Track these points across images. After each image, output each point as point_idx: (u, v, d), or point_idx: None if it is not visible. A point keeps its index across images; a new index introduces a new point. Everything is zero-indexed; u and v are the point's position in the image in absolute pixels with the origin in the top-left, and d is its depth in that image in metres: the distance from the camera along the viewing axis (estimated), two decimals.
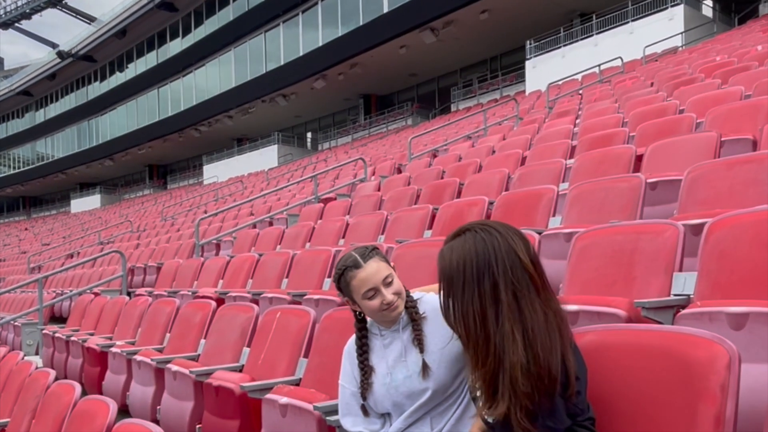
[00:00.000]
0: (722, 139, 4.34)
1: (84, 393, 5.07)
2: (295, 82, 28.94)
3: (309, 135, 35.56)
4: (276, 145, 31.96)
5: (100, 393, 4.78)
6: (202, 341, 4.07)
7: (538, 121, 9.82)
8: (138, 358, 4.14)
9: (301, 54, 28.75)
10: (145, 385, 4.06)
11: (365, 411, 1.93)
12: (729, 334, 2.03)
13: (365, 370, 1.90)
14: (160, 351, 4.32)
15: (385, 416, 1.95)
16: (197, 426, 3.41)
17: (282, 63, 29.79)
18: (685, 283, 2.51)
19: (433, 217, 5.20)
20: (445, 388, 1.83)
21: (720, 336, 1.60)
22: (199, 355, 3.98)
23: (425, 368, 1.82)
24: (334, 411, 2.41)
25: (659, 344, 1.68)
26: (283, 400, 2.66)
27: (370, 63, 26.54)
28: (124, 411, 4.36)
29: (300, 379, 3.00)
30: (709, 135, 4.39)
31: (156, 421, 3.84)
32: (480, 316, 1.51)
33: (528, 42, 21.14)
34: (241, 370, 3.46)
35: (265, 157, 31.33)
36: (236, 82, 32.34)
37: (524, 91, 20.24)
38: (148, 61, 38.42)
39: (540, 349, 1.48)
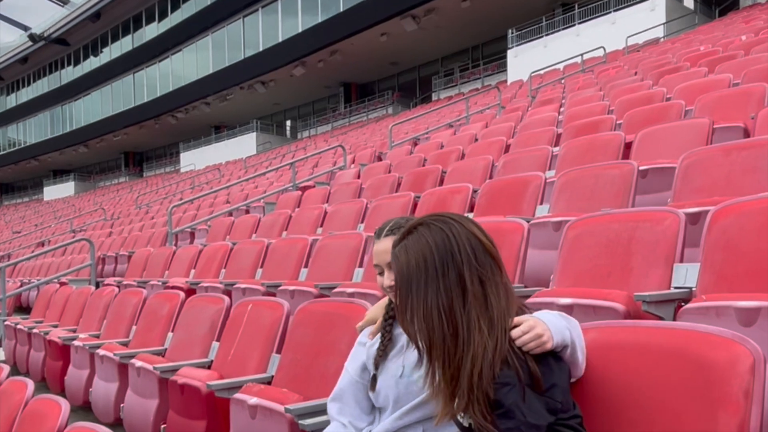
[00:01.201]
0: (714, 126, 4.19)
1: (46, 389, 4.84)
2: (274, 69, 28.49)
3: (288, 123, 35.12)
4: (254, 133, 31.50)
5: (62, 389, 4.53)
6: (170, 334, 3.83)
7: (521, 109, 9.66)
8: (101, 352, 3.89)
9: (280, 40, 28.30)
10: (108, 381, 3.82)
11: (358, 404, 1.73)
12: (738, 330, 1.86)
13: (378, 360, 1.69)
14: (125, 345, 4.08)
15: (375, 413, 1.75)
16: (162, 426, 3.18)
17: (261, 49, 29.31)
18: (686, 275, 2.35)
19: (415, 205, 5.00)
20: None
21: (741, 335, 1.42)
22: (165, 349, 3.74)
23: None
24: (307, 414, 2.21)
25: (672, 344, 1.50)
26: (253, 400, 2.44)
27: (350, 50, 26.19)
28: (86, 408, 4.12)
29: (272, 376, 2.79)
30: (701, 122, 4.24)
31: (119, 420, 3.61)
32: (447, 310, 1.37)
33: (510, 31, 20.98)
34: (209, 367, 3.24)
35: (243, 145, 30.88)
36: (214, 68, 31.77)
37: (506, 81, 20.11)
38: (124, 45, 37.60)
39: (500, 336, 1.36)
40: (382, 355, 1.68)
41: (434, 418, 1.64)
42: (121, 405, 3.60)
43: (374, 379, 1.70)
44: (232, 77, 30.45)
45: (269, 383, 2.74)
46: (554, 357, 1.40)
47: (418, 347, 1.43)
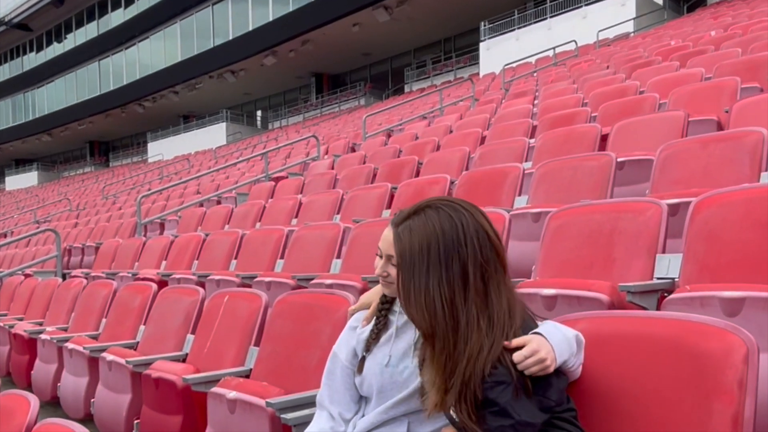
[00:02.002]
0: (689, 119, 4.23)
1: (12, 384, 4.68)
2: (244, 58, 28.09)
3: (259, 113, 34.72)
4: (224, 123, 31.06)
5: (29, 384, 4.39)
6: (142, 327, 3.74)
7: (495, 101, 9.68)
8: (70, 345, 3.77)
9: (250, 29, 27.91)
10: (77, 375, 3.70)
11: (348, 390, 1.69)
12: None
13: (369, 342, 1.64)
14: (95, 338, 3.96)
15: (362, 402, 1.71)
16: (135, 421, 3.09)
17: (230, 38, 28.88)
18: (669, 266, 2.35)
19: (392, 196, 4.96)
20: None
21: (734, 325, 1.42)
22: (138, 342, 3.65)
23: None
24: (289, 407, 2.16)
25: (664, 334, 1.49)
26: (232, 394, 2.38)
27: (322, 40, 25.96)
28: (54, 404, 4.00)
29: (250, 370, 2.72)
30: (677, 114, 4.28)
31: (89, 416, 3.51)
32: (449, 303, 1.34)
33: (482, 24, 21.02)
34: (184, 360, 3.16)
35: (212, 135, 30.43)
36: (182, 57, 31.21)
37: (478, 73, 20.15)
38: (88, 31, 36.69)
39: (497, 337, 1.33)
40: (375, 338, 1.64)
41: (422, 410, 1.62)
42: (92, 400, 3.49)
43: (362, 361, 1.66)
44: (201, 66, 29.94)
45: (247, 376, 2.68)
46: (554, 373, 1.37)
47: (422, 333, 1.38)
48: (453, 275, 1.34)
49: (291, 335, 2.59)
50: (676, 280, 2.31)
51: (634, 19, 16.80)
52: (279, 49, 26.91)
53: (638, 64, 8.24)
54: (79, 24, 37.28)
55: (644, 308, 2.22)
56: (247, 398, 2.31)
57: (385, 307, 1.66)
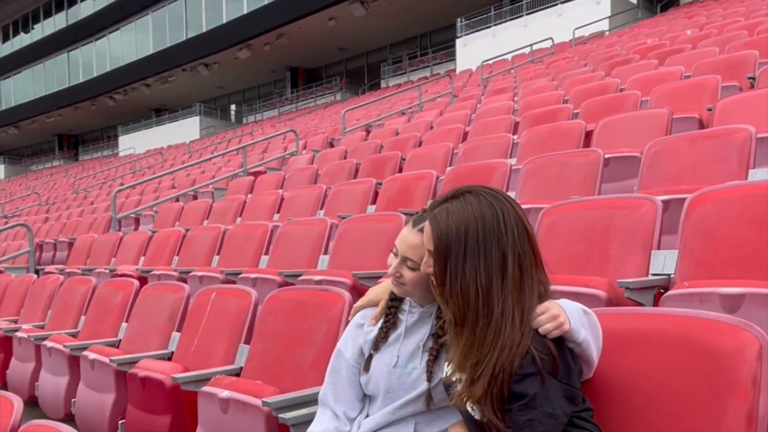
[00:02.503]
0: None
1: None
2: (218, 51, 27.74)
3: (233, 107, 34.33)
4: (197, 117, 30.65)
5: (4, 383, 4.26)
6: (124, 325, 3.65)
7: (474, 97, 9.69)
8: (48, 344, 3.66)
9: (224, 21, 27.56)
10: (56, 374, 3.60)
11: (353, 389, 1.65)
12: None
13: (378, 341, 1.60)
14: (74, 336, 3.86)
15: (365, 401, 1.67)
16: (120, 421, 3.01)
17: (204, 30, 28.48)
18: (665, 262, 2.36)
19: (377, 192, 4.93)
20: (444, 400, 1.56)
21: (747, 322, 1.42)
22: (119, 340, 3.56)
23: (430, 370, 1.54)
24: (286, 407, 2.11)
25: (675, 331, 1.48)
26: (224, 393, 2.32)
27: (297, 34, 25.74)
28: (32, 404, 3.88)
29: (241, 368, 2.67)
30: (661, 112, 4.31)
31: (70, 416, 3.41)
32: (484, 290, 1.29)
33: (459, 20, 21.05)
34: (170, 358, 3.09)
35: (185, 129, 30.00)
36: (154, 49, 30.70)
37: (455, 70, 20.19)
38: (57, 22, 35.87)
39: (526, 332, 1.29)
40: (384, 337, 1.60)
41: (429, 411, 1.59)
42: (73, 400, 3.40)
43: (369, 359, 1.63)
44: (174, 58, 29.49)
45: (237, 375, 2.63)
46: (569, 349, 1.35)
47: (453, 319, 1.35)
48: (492, 263, 1.30)
49: (284, 333, 2.54)
50: (671, 276, 2.32)
51: (609, 17, 16.98)
52: (254, 42, 26.63)
53: (616, 62, 8.32)
54: (47, 14, 36.42)
55: (642, 305, 2.22)
56: (240, 397, 2.26)
57: (394, 305, 1.62)
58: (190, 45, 28.94)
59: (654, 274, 2.36)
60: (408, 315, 1.62)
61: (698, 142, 3.26)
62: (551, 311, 1.32)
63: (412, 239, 1.54)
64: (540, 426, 1.27)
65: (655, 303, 2.29)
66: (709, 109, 4.42)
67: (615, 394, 1.50)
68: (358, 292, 2.91)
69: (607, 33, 16.15)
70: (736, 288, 1.93)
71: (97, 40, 33.88)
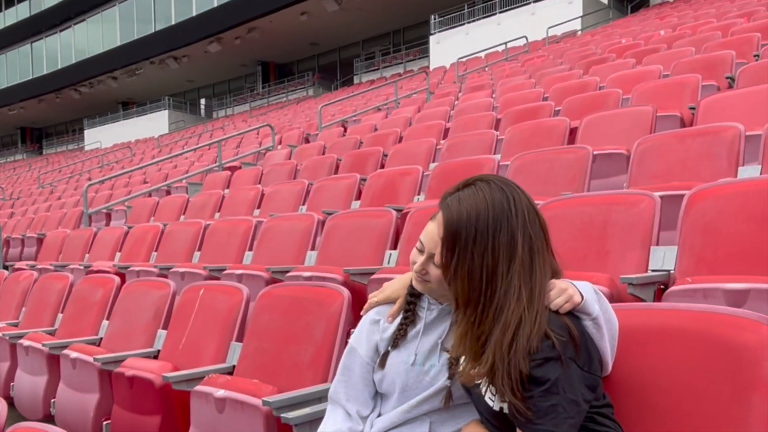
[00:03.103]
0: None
1: None
2: (188, 44, 27.30)
3: (203, 102, 33.84)
4: (166, 111, 30.12)
5: None
6: (105, 322, 3.54)
7: (452, 94, 9.70)
8: (25, 342, 3.53)
9: (194, 14, 27.14)
10: (34, 374, 3.47)
11: (367, 387, 1.60)
12: None
13: (398, 338, 1.56)
14: (52, 334, 3.73)
15: (377, 399, 1.63)
16: (104, 422, 2.92)
17: (173, 23, 27.99)
18: (664, 258, 2.36)
19: (361, 187, 4.88)
20: (462, 398, 1.52)
21: (766, 316, 1.41)
22: (100, 339, 3.45)
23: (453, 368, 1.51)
24: (287, 406, 2.06)
25: (694, 327, 1.47)
26: (220, 393, 2.26)
27: (269, 28, 25.47)
28: (8, 404, 3.73)
29: (233, 366, 2.60)
30: (645, 110, 4.35)
31: (49, 417, 3.30)
32: (490, 272, 1.31)
33: (432, 17, 21.07)
34: (156, 357, 3.01)
35: (154, 123, 29.47)
36: (122, 41, 30.08)
37: (428, 67, 20.20)
38: (20, 12, 34.88)
39: (540, 311, 1.29)
40: (404, 334, 1.56)
41: (444, 409, 1.55)
42: (52, 400, 3.28)
43: (385, 356, 1.58)
44: (142, 51, 28.92)
45: (230, 373, 2.56)
46: (589, 335, 1.35)
47: (456, 301, 1.35)
48: (499, 244, 1.30)
49: (279, 330, 2.48)
50: (671, 272, 2.32)
51: (581, 17, 17.18)
52: (224, 36, 26.27)
53: (593, 61, 8.40)
54: (10, 3, 35.40)
55: (642, 300, 2.22)
56: (238, 396, 2.20)
57: (413, 300, 1.58)
58: (158, 38, 28.42)
59: (653, 270, 2.37)
60: (426, 312, 1.58)
61: (687, 140, 3.29)
62: (558, 285, 1.34)
63: (433, 230, 1.50)
64: (564, 412, 1.25)
65: (656, 299, 2.30)
66: (691, 108, 4.48)
67: (633, 392, 1.48)
68: (350, 288, 2.87)
69: (580, 32, 16.34)
70: (741, 284, 1.94)
71: (62, 31, 33.06)
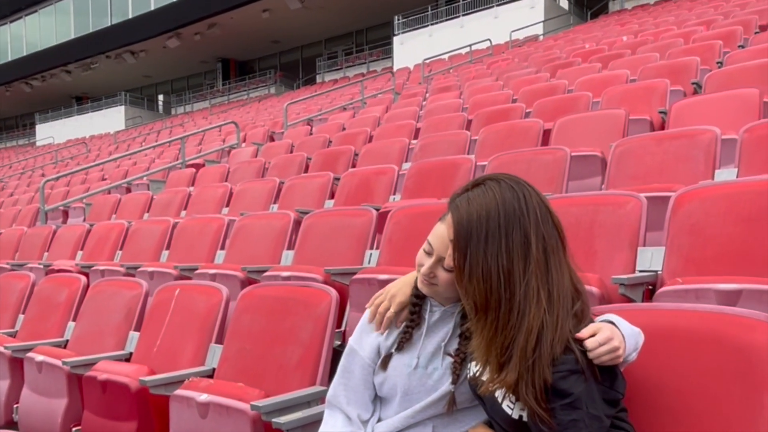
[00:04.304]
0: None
1: None
2: (145, 39, 26.69)
3: (161, 98, 33.12)
4: (123, 107, 29.38)
5: None
6: (71, 324, 3.39)
7: (419, 94, 9.70)
8: None
9: (152, 8, 26.57)
10: None
11: (367, 390, 1.55)
12: None
13: (403, 341, 1.50)
14: (13, 336, 3.56)
15: (377, 403, 1.58)
16: (73, 428, 2.78)
17: (130, 16, 27.32)
18: (652, 259, 2.38)
19: (334, 186, 4.81)
20: (465, 402, 1.48)
21: None
22: (66, 341, 3.30)
23: (457, 372, 1.46)
24: (277, 410, 1.99)
25: (704, 327, 1.47)
26: (203, 397, 2.17)
27: (230, 25, 25.11)
28: None
29: (213, 369, 2.51)
30: (618, 113, 4.41)
31: (12, 423, 3.14)
32: (506, 273, 1.26)
33: (396, 18, 21.09)
34: (128, 360, 2.89)
35: (109, 119, 28.73)
36: (76, 34, 29.19)
37: (392, 67, 20.20)
38: None
39: (561, 315, 1.26)
40: (410, 338, 1.51)
41: (446, 416, 1.51)
42: (15, 405, 3.11)
43: (388, 358, 1.53)
44: (98, 45, 28.16)
45: (211, 376, 2.47)
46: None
47: (474, 306, 1.30)
48: (513, 244, 1.26)
49: (263, 332, 2.41)
50: (659, 272, 2.34)
51: (543, 22, 17.44)
52: (183, 31, 25.79)
53: (559, 65, 8.51)
54: None
55: (632, 300, 2.23)
56: (223, 401, 2.11)
57: (418, 303, 1.53)
58: (114, 31, 27.70)
59: (641, 271, 2.38)
60: (429, 314, 1.53)
61: (665, 142, 3.33)
62: (613, 342, 1.25)
63: (442, 231, 1.46)
64: (585, 428, 1.22)
65: (644, 299, 2.31)
66: (662, 112, 4.56)
67: (643, 394, 1.47)
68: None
69: (542, 37, 16.58)
70: (733, 284, 1.96)
71: (12, 22, 31.94)
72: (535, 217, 1.30)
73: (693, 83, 5.40)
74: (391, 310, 1.53)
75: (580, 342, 1.24)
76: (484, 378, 1.33)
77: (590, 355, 1.23)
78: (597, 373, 1.24)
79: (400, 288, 1.57)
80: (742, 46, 6.58)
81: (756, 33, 7.32)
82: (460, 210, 1.32)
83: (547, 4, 18.00)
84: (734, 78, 4.73)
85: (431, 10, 20.54)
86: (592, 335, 1.25)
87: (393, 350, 1.53)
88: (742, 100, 4.01)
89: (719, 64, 5.94)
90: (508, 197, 1.30)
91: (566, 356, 1.22)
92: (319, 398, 2.09)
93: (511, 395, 1.28)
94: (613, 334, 1.27)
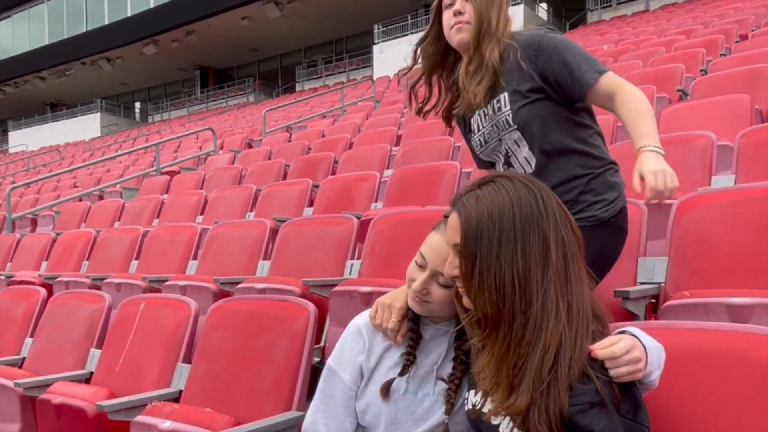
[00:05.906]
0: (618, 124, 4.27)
1: None
2: (122, 46, 26.25)
3: (138, 105, 32.65)
4: (98, 114, 28.84)
5: None
6: (28, 340, 3.15)
7: (400, 101, 9.55)
8: None
9: (128, 15, 26.15)
10: None
11: (348, 417, 1.36)
12: None
13: (407, 364, 1.33)
14: None
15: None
16: None
17: (106, 23, 26.89)
18: (654, 269, 2.22)
19: (314, 193, 4.63)
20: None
21: None
22: (23, 359, 3.06)
23: (451, 400, 1.28)
24: None
25: (729, 348, 1.32)
26: (166, 424, 1.96)
27: (208, 32, 24.81)
28: None
29: (180, 391, 2.30)
30: (605, 118, 4.28)
31: None
32: (522, 281, 1.09)
33: (376, 26, 21.01)
34: (89, 380, 2.66)
35: (85, 126, 28.17)
36: (50, 40, 28.66)
37: (372, 76, 20.09)
38: None
39: (580, 332, 1.09)
40: (413, 360, 1.33)
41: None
42: None
43: (389, 384, 1.33)
44: (73, 51, 27.64)
45: (176, 400, 2.26)
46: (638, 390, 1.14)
47: (483, 318, 1.13)
48: (531, 248, 1.10)
49: (234, 350, 2.20)
50: (662, 284, 2.19)
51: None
52: (161, 38, 25.41)
53: None
54: None
55: (637, 316, 2.08)
56: (188, 429, 1.91)
57: (415, 320, 1.35)
58: (90, 38, 27.24)
59: (642, 283, 2.23)
60: (423, 332, 1.36)
61: None
62: (633, 353, 1.10)
63: (437, 242, 1.28)
64: None
65: (647, 313, 2.16)
66: None
67: (664, 418, 1.30)
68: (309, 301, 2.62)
69: None
70: (746, 298, 1.81)
71: None
72: (554, 219, 1.14)
73: (679, 90, 5.32)
74: (394, 318, 1.35)
75: (596, 360, 1.07)
76: (485, 410, 1.15)
77: (608, 364, 1.07)
78: (620, 402, 1.07)
79: (396, 296, 1.39)
80: (724, 54, 6.54)
81: (737, 42, 7.30)
82: (468, 208, 1.15)
83: (526, 14, 18.06)
84: (722, 84, 4.64)
85: (411, 19, 20.48)
86: (610, 346, 1.08)
87: (396, 374, 1.34)
88: (733, 105, 3.91)
89: (703, 72, 5.88)
90: (524, 195, 1.14)
91: (584, 386, 1.05)
92: (296, 425, 1.90)
93: (514, 420, 1.10)
94: (634, 344, 1.11)
